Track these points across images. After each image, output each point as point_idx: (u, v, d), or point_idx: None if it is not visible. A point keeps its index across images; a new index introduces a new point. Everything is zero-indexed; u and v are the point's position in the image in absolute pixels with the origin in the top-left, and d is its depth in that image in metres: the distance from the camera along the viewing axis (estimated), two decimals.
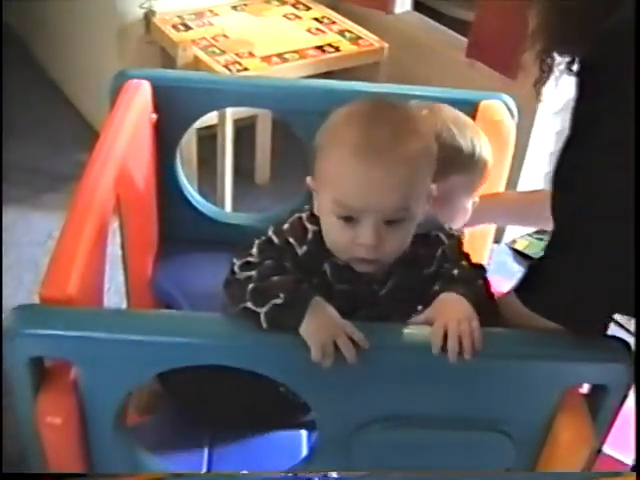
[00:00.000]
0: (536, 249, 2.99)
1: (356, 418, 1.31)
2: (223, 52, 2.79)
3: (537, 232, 3.07)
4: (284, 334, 1.22)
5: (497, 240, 2.96)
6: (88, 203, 1.44)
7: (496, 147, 1.79)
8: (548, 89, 2.65)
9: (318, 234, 1.35)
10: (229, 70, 2.68)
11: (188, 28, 2.95)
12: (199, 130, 2.81)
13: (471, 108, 1.84)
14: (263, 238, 1.35)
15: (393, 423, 1.31)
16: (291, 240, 1.35)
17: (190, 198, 2.02)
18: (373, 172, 1.22)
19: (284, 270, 1.30)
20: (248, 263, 1.31)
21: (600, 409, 1.30)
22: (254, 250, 1.33)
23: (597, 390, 1.30)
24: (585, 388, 1.33)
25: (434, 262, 1.40)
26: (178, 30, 2.92)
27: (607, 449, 1.71)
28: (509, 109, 1.84)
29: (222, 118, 2.65)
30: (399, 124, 1.27)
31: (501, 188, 1.85)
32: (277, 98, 1.93)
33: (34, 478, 1.40)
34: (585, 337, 1.26)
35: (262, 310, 1.23)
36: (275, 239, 1.35)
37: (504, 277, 2.51)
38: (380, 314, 1.38)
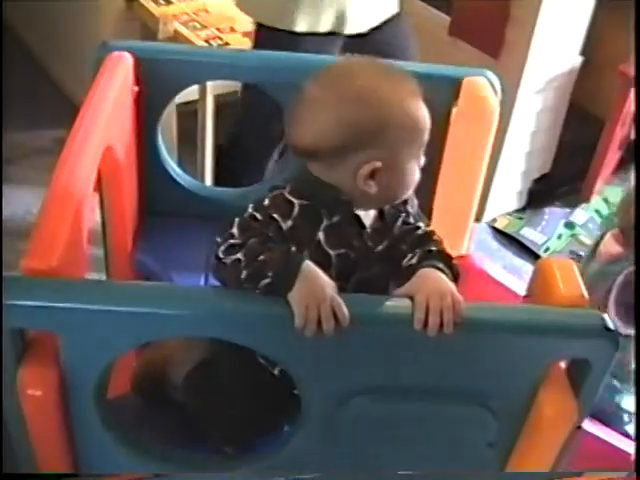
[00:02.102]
0: (516, 228, 3.00)
1: (340, 391, 1.31)
2: (204, 27, 2.78)
3: (517, 211, 3.08)
4: (267, 305, 1.23)
5: (477, 218, 2.96)
6: (70, 175, 1.42)
7: (479, 124, 1.80)
8: (529, 70, 2.67)
9: (305, 207, 1.35)
10: (210, 45, 2.67)
11: (169, 3, 2.93)
12: (179, 106, 2.80)
13: (455, 84, 1.84)
14: (243, 216, 1.34)
15: (377, 396, 1.31)
16: (275, 215, 1.33)
17: (172, 172, 2.01)
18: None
19: (269, 244, 1.28)
20: (232, 246, 1.29)
21: (582, 384, 1.30)
22: (235, 230, 1.31)
23: (579, 365, 1.31)
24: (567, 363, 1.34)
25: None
26: (159, 4, 2.90)
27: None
28: (492, 86, 1.83)
29: (202, 93, 2.63)
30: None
31: (484, 165, 1.85)
32: (261, 71, 1.91)
33: (34, 478, 1.39)
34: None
35: (257, 291, 1.24)
36: (258, 215, 1.33)
37: (485, 254, 2.53)
38: (373, 275, 1.41)
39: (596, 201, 3.21)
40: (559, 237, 3.00)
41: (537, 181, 3.09)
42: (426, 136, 1.39)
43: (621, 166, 3.38)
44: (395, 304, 1.26)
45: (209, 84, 2.59)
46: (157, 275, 1.90)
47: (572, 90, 2.93)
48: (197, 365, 1.56)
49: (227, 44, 2.68)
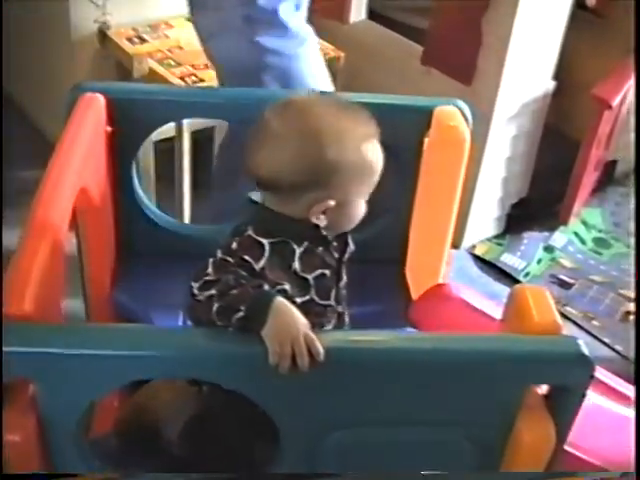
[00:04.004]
0: (495, 254, 3.01)
1: (318, 426, 1.32)
2: (179, 64, 2.79)
3: (496, 237, 3.09)
4: (241, 343, 1.23)
5: (456, 245, 2.97)
6: (44, 219, 1.42)
7: (451, 152, 1.81)
8: (503, 96, 2.69)
9: (275, 244, 1.38)
10: (185, 82, 2.67)
11: (143, 41, 2.94)
12: (157, 143, 2.80)
13: (426, 114, 1.85)
14: (215, 259, 1.35)
15: (355, 429, 1.32)
16: (247, 257, 1.35)
17: (147, 211, 2.01)
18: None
19: (243, 281, 1.29)
20: (207, 282, 1.30)
21: (560, 410, 1.31)
22: (210, 269, 1.32)
23: (556, 390, 1.31)
24: (544, 388, 1.34)
25: None
26: (133, 43, 2.91)
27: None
28: (464, 115, 1.85)
29: (179, 130, 2.63)
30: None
31: (457, 194, 1.85)
32: (234, 108, 1.92)
33: (34, 478, 1.37)
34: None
35: (229, 326, 1.24)
36: (229, 259, 1.35)
37: (464, 282, 2.53)
38: (345, 284, 1.51)
39: (574, 224, 3.22)
40: (539, 262, 3.01)
41: (515, 206, 3.10)
42: (378, 176, 1.43)
43: (598, 188, 3.40)
44: (368, 338, 1.27)
45: (185, 121, 2.60)
46: (136, 315, 1.90)
47: (546, 114, 2.95)
48: (190, 420, 1.57)
49: (202, 81, 2.69)
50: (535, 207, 3.20)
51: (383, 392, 1.29)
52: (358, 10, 3.25)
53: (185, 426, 1.57)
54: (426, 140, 1.89)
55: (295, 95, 1.45)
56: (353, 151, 1.37)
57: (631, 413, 1.80)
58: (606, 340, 2.69)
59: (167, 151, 2.85)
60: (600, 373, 1.75)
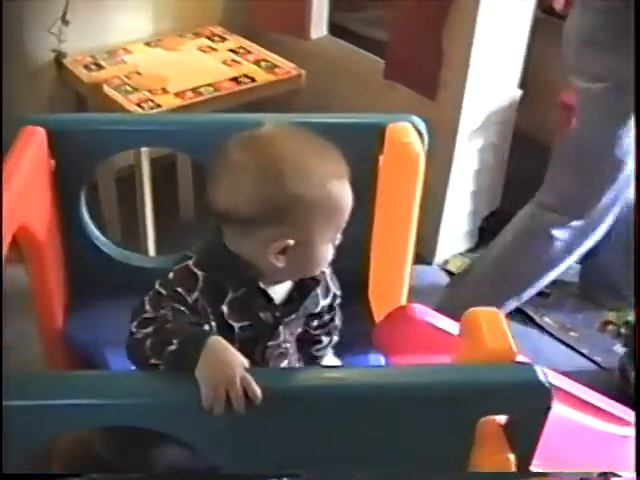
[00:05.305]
0: None
1: (263, 468, 1.25)
2: (136, 90, 2.73)
3: (469, 251, 3.03)
4: (174, 391, 1.17)
5: (428, 261, 2.92)
6: None
7: (405, 169, 1.76)
8: (468, 108, 2.64)
9: (209, 280, 1.32)
10: (142, 108, 2.61)
11: (100, 67, 2.89)
12: (120, 170, 2.75)
13: (379, 132, 1.80)
14: (151, 294, 1.31)
15: (298, 470, 1.25)
16: (179, 289, 1.30)
17: (98, 243, 1.95)
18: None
19: (179, 315, 1.26)
20: (145, 319, 1.26)
21: (518, 439, 1.24)
22: (147, 306, 1.28)
23: (514, 419, 1.25)
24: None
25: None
26: (90, 70, 2.86)
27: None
28: (418, 130, 1.79)
29: (137, 158, 2.57)
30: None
31: (414, 212, 1.79)
32: (182, 135, 1.87)
33: (34, 478, 1.32)
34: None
35: (161, 362, 1.20)
36: (163, 291, 1.30)
37: (438, 299, 2.48)
38: (281, 341, 1.43)
39: None
40: None
41: (487, 218, 3.05)
42: (345, 218, 1.35)
43: None
44: (308, 375, 1.22)
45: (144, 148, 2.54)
46: (90, 351, 1.84)
47: (516, 122, 2.90)
48: None
49: (159, 106, 2.63)
50: (508, 218, 3.13)
51: (330, 430, 1.22)
52: (319, 26, 3.19)
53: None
54: (381, 158, 1.84)
55: (263, 126, 1.36)
56: (317, 187, 1.27)
57: (605, 427, 1.76)
58: (584, 351, 2.63)
59: (129, 179, 2.79)
60: (570, 386, 1.71)
